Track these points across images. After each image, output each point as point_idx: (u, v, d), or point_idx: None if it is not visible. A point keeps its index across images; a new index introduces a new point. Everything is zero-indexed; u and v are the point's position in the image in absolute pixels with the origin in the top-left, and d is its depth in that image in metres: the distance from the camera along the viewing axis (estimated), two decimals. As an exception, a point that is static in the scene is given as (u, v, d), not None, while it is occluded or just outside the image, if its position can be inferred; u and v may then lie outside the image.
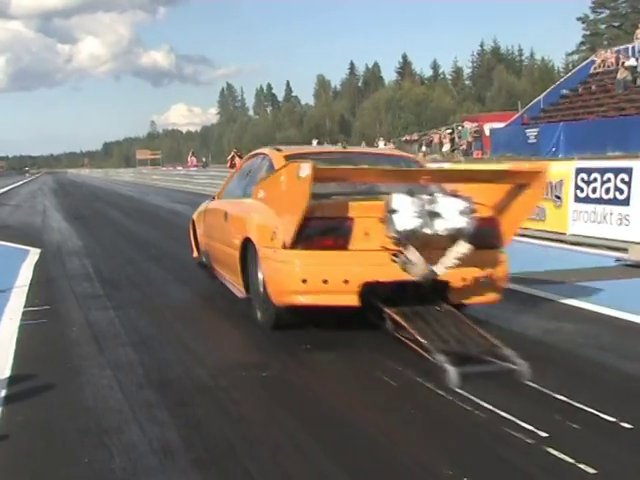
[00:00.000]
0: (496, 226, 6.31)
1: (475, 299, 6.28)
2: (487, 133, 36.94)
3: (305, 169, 5.65)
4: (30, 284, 9.30)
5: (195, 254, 10.04)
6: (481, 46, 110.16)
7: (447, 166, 16.29)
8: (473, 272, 6.12)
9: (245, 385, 5.28)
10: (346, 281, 5.91)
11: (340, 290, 5.92)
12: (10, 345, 6.36)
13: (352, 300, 5.96)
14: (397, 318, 5.85)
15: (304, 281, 5.96)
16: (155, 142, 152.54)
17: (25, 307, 7.86)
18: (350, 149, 7.99)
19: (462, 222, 5.81)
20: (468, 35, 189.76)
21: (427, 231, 5.82)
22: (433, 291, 6.07)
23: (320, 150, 8.41)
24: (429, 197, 5.82)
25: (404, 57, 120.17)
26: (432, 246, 5.90)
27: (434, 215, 5.79)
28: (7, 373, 5.58)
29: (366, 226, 6.00)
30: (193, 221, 10.04)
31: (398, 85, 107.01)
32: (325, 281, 5.93)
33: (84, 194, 38.96)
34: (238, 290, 7.43)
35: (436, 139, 43.18)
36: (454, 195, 5.92)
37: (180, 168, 59.64)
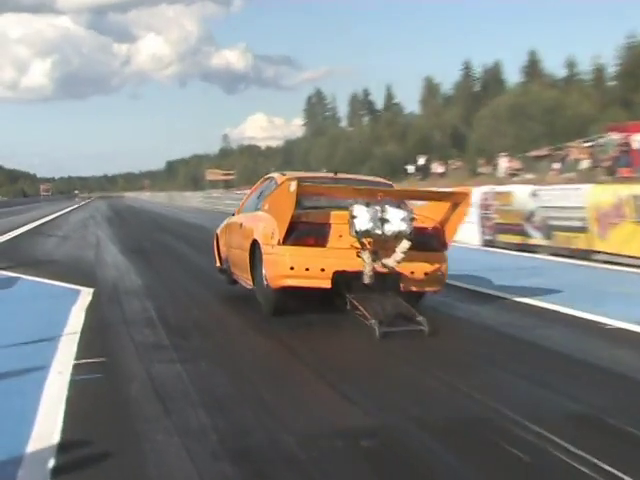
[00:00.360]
0: (440, 234, 10.05)
1: (421, 288, 9.96)
2: (637, 146, 36.49)
3: (293, 185, 9.25)
4: (82, 331, 9.49)
5: (217, 264, 13.58)
6: (630, 39, 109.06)
7: (557, 187, 19.78)
8: (421, 268, 9.80)
9: (340, 457, 5.29)
10: (322, 269, 9.55)
11: (318, 276, 9.57)
12: (59, 404, 6.47)
13: (326, 284, 9.59)
14: (354, 302, 9.50)
15: (292, 268, 9.62)
16: (228, 160, 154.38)
17: (76, 359, 8.01)
18: (340, 175, 11.43)
19: (403, 226, 9.39)
20: (612, 26, 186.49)
21: (378, 232, 9.34)
22: (387, 281, 9.63)
23: (316, 175, 12.25)
24: (381, 207, 9.37)
25: (532, 54, 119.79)
26: (386, 246, 9.50)
27: (384, 221, 9.37)
28: (56, 438, 5.66)
29: (340, 230, 9.60)
30: (216, 235, 13.68)
31: (524, 88, 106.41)
32: (307, 269, 9.58)
33: (144, 223, 39.73)
34: (246, 283, 11.21)
35: (572, 154, 42.79)
36: (399, 206, 9.46)
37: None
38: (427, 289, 9.99)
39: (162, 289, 13.46)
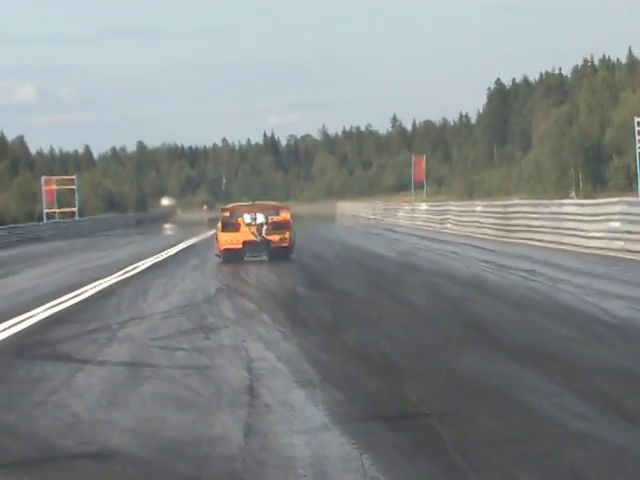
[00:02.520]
0: (287, 223, 27.49)
1: (278, 245, 26.80)
2: None
3: (222, 208, 29.61)
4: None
5: (217, 251, 27.71)
6: None
7: None
8: (277, 237, 26.86)
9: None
10: (237, 241, 26.79)
11: (236, 244, 26.77)
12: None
13: (239, 247, 26.78)
14: (249, 254, 27.44)
15: (225, 241, 27.06)
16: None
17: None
18: (257, 202, 30.38)
19: (263, 220, 26.90)
20: None
21: (253, 222, 26.86)
22: (264, 244, 26.92)
23: (245, 203, 30.33)
24: (255, 214, 27.28)
25: None
26: (260, 230, 26.89)
27: (255, 218, 26.97)
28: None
29: (245, 224, 27.02)
30: (216, 233, 28.97)
31: None
32: (231, 241, 26.91)
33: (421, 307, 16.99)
34: (216, 250, 28.13)
35: None
36: (262, 213, 27.34)
37: None
38: (282, 245, 26.58)
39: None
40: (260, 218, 26.44)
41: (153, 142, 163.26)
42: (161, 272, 24.47)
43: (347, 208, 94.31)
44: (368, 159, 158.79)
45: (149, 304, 17.14)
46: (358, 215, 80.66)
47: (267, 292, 18.77)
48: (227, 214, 27.45)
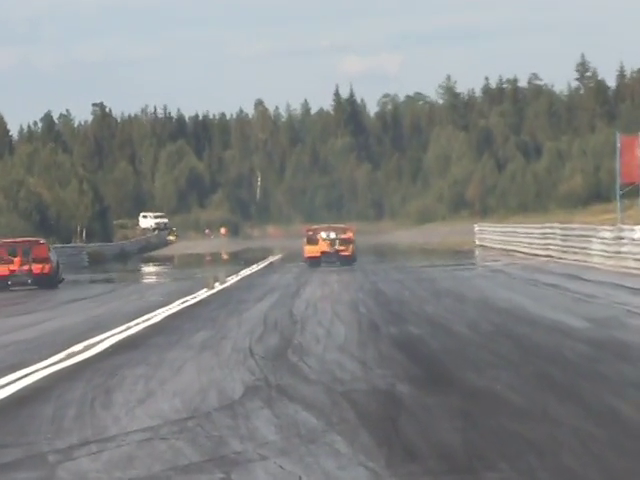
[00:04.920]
0: (351, 239, 41.68)
1: (346, 256, 41.58)
2: None
3: (308, 228, 45.07)
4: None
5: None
6: None
7: None
8: (345, 249, 40.73)
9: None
10: (317, 251, 40.56)
11: (315, 254, 40.42)
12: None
13: (318, 256, 40.74)
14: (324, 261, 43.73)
15: (308, 252, 41.15)
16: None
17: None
18: (332, 225, 47.47)
19: (334, 236, 40.47)
20: None
21: (328, 238, 40.23)
22: (336, 255, 41.40)
23: (323, 225, 46.56)
24: (329, 233, 40.91)
25: None
26: (336, 244, 40.91)
27: (329, 235, 40.43)
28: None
29: (322, 240, 40.44)
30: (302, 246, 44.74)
31: None
32: (313, 252, 40.61)
33: None
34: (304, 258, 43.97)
35: None
36: (334, 232, 41.40)
37: None
38: (347, 254, 39.70)
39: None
40: (333, 235, 40.54)
41: (125, 106, 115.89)
42: (140, 354, 15.20)
43: (492, 235, 58.98)
44: (534, 143, 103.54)
45: (117, 415, 10.13)
46: (513, 250, 49.43)
47: (341, 392, 10.96)
48: (311, 233, 41.47)
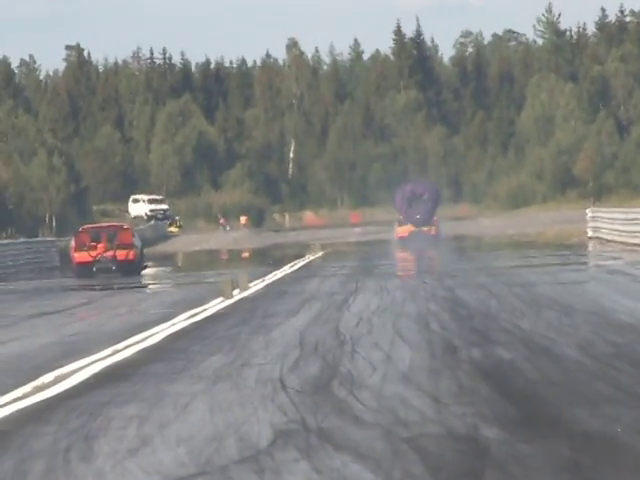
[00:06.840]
0: (436, 221, 61.86)
1: (431, 236, 66.10)
2: None
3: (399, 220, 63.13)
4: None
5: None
6: None
7: None
8: (429, 229, 65.70)
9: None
10: (406, 231, 62.36)
11: (404, 233, 64.77)
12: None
13: (406, 235, 62.38)
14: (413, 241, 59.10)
15: (399, 232, 64.67)
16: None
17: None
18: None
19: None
20: None
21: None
22: (422, 233, 62.82)
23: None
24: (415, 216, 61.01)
25: None
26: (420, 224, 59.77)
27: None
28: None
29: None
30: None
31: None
32: (403, 231, 64.76)
33: None
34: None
35: None
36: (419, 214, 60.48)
37: None
38: (431, 234, 60.37)
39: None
40: (418, 217, 56.38)
41: (109, 50, 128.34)
42: (132, 388, 15.09)
43: (611, 224, 55.53)
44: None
45: (100, 469, 9.61)
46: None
47: (405, 439, 10.48)
48: (401, 217, 59.80)
